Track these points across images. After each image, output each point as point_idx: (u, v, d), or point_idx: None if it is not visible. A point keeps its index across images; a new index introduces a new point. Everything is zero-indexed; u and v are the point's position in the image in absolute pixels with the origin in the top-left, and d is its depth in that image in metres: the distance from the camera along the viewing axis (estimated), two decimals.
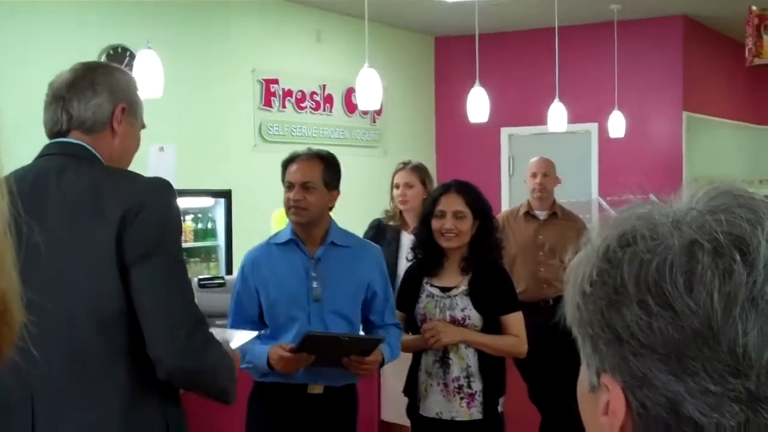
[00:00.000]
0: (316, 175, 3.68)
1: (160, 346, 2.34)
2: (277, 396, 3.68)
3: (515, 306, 3.96)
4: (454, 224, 3.88)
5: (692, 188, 0.88)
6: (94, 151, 2.50)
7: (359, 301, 3.75)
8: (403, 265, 4.57)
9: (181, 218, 2.60)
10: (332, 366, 3.59)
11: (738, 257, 0.79)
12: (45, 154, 2.58)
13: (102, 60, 7.12)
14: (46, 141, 2.71)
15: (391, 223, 5.30)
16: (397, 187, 5.26)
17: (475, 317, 3.86)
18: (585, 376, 0.90)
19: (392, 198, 5.34)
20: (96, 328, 2.34)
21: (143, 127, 2.65)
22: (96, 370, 2.34)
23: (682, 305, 0.80)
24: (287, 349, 3.51)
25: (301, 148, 3.91)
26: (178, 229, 2.50)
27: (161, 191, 2.43)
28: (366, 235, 5.41)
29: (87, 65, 2.65)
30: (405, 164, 5.37)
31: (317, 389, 3.67)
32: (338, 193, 3.78)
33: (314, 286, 3.64)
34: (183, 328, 2.35)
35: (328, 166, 3.73)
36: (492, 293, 3.89)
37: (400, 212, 5.27)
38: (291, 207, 3.67)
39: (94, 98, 2.52)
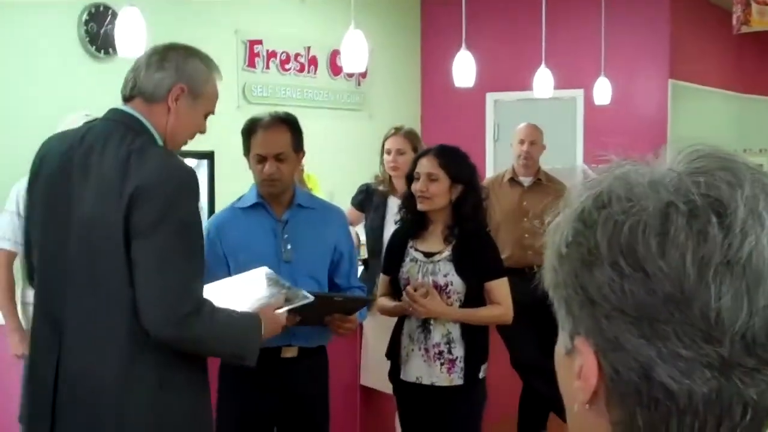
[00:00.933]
0: (287, 143, 3.63)
1: (146, 316, 2.62)
2: None
3: (500, 272, 3.94)
4: (427, 186, 3.87)
5: (674, 150, 0.86)
6: (145, 123, 2.78)
7: (327, 263, 3.73)
8: (390, 230, 4.56)
9: (195, 204, 2.71)
10: (314, 324, 3.57)
11: (714, 219, 0.78)
12: (105, 117, 2.83)
13: (84, 19, 7.01)
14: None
15: (380, 188, 5.25)
16: (388, 152, 5.21)
17: (457, 283, 3.85)
18: (561, 340, 0.89)
19: (382, 162, 5.28)
20: (105, 293, 2.68)
21: (209, 113, 2.91)
22: (106, 326, 2.69)
23: (654, 267, 0.78)
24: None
25: (285, 110, 3.85)
26: (183, 212, 2.65)
27: (173, 175, 2.66)
28: (355, 199, 5.39)
29: (172, 45, 2.91)
30: (397, 129, 5.32)
31: (291, 352, 3.66)
32: (304, 153, 3.74)
33: (287, 248, 3.60)
34: (165, 303, 2.60)
35: (295, 131, 3.68)
36: (476, 259, 3.87)
37: (390, 177, 5.22)
38: (265, 180, 3.61)
39: (158, 72, 2.80)
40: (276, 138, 3.62)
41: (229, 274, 3.61)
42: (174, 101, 2.81)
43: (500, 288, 3.93)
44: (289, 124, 3.67)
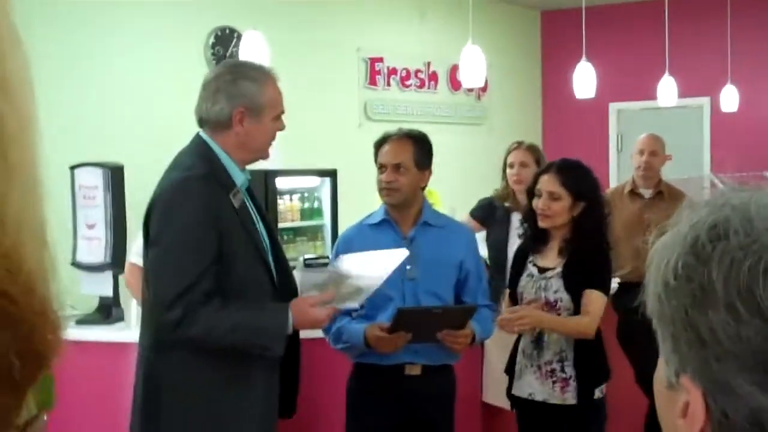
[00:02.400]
0: (408, 155, 3.68)
1: (154, 319, 3.00)
2: (375, 377, 3.70)
3: (598, 283, 3.83)
4: (548, 205, 3.83)
5: None
6: (212, 145, 3.07)
7: (452, 281, 3.74)
8: (513, 245, 4.53)
9: (193, 213, 2.95)
10: (427, 341, 3.60)
11: None
12: (191, 140, 3.17)
13: (211, 42, 7.22)
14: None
15: (505, 204, 5.23)
16: (512, 166, 5.18)
17: (566, 300, 3.80)
18: (663, 372, 0.85)
19: (504, 177, 5.26)
20: (144, 300, 3.17)
21: (281, 114, 3.16)
22: (142, 328, 3.15)
23: None
24: (383, 328, 3.52)
25: (406, 127, 3.91)
26: (183, 221, 2.93)
27: (177, 190, 2.96)
28: (476, 212, 5.38)
29: (218, 72, 3.18)
30: (519, 144, 5.29)
31: (415, 370, 3.68)
32: (430, 172, 3.78)
33: (409, 266, 3.64)
34: (159, 310, 2.92)
35: (420, 146, 3.73)
36: (585, 275, 3.81)
37: (512, 192, 5.19)
38: (383, 188, 3.69)
39: (214, 105, 3.06)
40: (398, 148, 3.69)
41: None
42: (240, 124, 3.06)
43: (592, 298, 3.80)
44: (414, 138, 3.74)
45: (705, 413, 0.79)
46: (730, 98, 8.79)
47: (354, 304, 3.23)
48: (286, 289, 3.20)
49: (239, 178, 3.11)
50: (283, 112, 3.18)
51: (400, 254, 3.42)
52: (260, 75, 3.14)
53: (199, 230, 2.92)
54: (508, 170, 5.20)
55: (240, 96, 3.05)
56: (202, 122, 3.13)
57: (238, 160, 3.10)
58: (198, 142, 3.12)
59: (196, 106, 3.16)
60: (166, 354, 3.02)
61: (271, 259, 3.14)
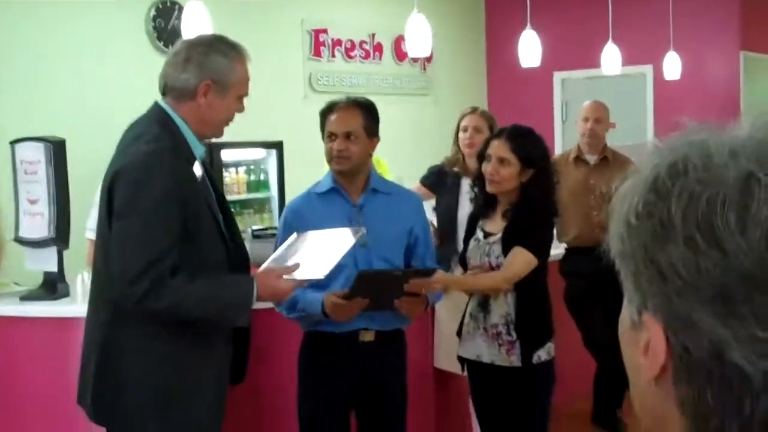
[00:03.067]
0: (358, 123, 3.67)
1: (114, 291, 2.96)
2: (328, 346, 3.70)
3: (527, 242, 3.82)
4: (496, 169, 3.85)
5: (754, 117, 0.81)
6: (173, 115, 3.05)
7: (403, 247, 3.76)
8: (464, 210, 4.55)
9: (163, 185, 2.92)
10: (385, 308, 3.60)
11: None
12: (148, 110, 3.14)
13: (152, 15, 7.13)
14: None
15: (455, 169, 5.24)
16: (465, 130, 5.18)
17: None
18: (626, 312, 0.85)
19: (455, 142, 5.27)
20: (97, 270, 3.13)
21: (243, 96, 3.15)
22: (96, 301, 3.11)
23: (732, 245, 0.73)
24: (341, 295, 3.52)
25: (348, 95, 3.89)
26: (152, 194, 2.90)
27: (146, 162, 2.92)
28: (426, 179, 5.39)
29: (192, 42, 3.14)
30: (474, 109, 5.31)
31: (368, 336, 3.70)
32: (378, 139, 3.78)
33: (359, 233, 3.64)
34: (125, 282, 2.89)
35: (368, 114, 3.72)
36: (518, 235, 3.83)
37: (462, 157, 5.20)
38: (334, 157, 3.67)
39: (183, 73, 3.04)
40: (348, 116, 3.68)
41: None
42: (203, 96, 3.05)
43: (516, 255, 3.78)
44: (362, 106, 3.73)
45: (666, 349, 0.79)
46: (672, 66, 8.87)
47: (318, 276, 3.21)
48: (241, 262, 3.20)
49: (198, 150, 3.11)
50: (246, 94, 3.18)
51: (358, 231, 3.42)
52: (234, 53, 3.14)
53: (168, 204, 2.91)
54: (460, 134, 5.21)
55: (210, 69, 3.05)
56: (165, 89, 3.11)
57: (195, 132, 3.10)
58: (158, 112, 3.10)
59: (161, 71, 3.12)
60: (124, 325, 3.01)
61: (225, 231, 3.14)
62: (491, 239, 3.90)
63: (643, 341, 0.81)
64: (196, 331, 3.05)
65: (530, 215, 3.86)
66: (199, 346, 3.07)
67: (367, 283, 3.51)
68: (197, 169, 3.06)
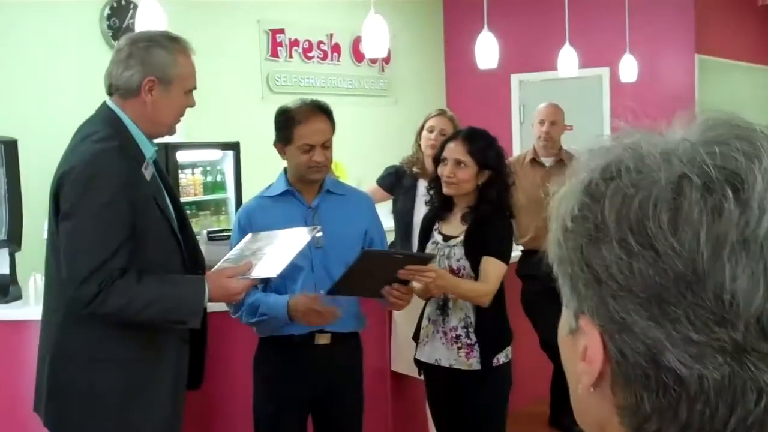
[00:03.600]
0: (330, 131, 3.67)
1: (65, 295, 2.92)
2: (284, 349, 3.68)
3: (497, 252, 3.85)
4: (453, 172, 3.86)
5: (688, 118, 0.81)
6: (119, 114, 3.00)
7: (358, 248, 3.74)
8: (420, 212, 4.55)
9: (110, 187, 2.89)
10: (371, 296, 3.62)
11: (730, 194, 0.73)
12: (97, 110, 3.09)
13: (106, 14, 7.05)
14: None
15: (414, 169, 5.23)
16: (431, 131, 5.18)
17: (468, 267, 3.84)
18: (564, 319, 0.85)
19: (417, 141, 5.26)
20: (48, 273, 3.06)
21: (191, 89, 3.08)
22: (48, 304, 3.09)
23: (665, 246, 0.73)
24: (318, 296, 3.52)
25: (308, 99, 3.83)
26: (100, 195, 2.86)
27: (93, 162, 2.88)
28: (383, 180, 5.39)
29: (133, 38, 3.07)
30: (442, 111, 5.32)
31: (324, 339, 3.68)
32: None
33: (314, 235, 3.62)
34: (74, 285, 2.86)
35: (332, 118, 3.71)
36: (482, 240, 3.84)
37: (422, 158, 5.20)
38: (313, 167, 3.63)
39: (126, 70, 2.99)
40: (322, 127, 3.65)
41: None
42: (148, 93, 3.00)
43: (492, 266, 3.81)
44: (327, 112, 3.71)
45: (603, 354, 0.78)
46: (629, 68, 8.94)
47: (271, 274, 3.17)
48: (195, 263, 3.16)
49: (148, 151, 3.06)
50: (194, 87, 3.12)
51: (314, 229, 3.41)
52: (175, 46, 3.07)
53: (115, 205, 2.86)
54: (424, 133, 5.20)
55: (151, 64, 2.99)
56: (111, 88, 3.05)
57: (144, 131, 3.04)
58: (106, 111, 3.05)
59: (106, 71, 3.07)
60: (75, 329, 2.97)
61: (178, 232, 3.09)
62: (452, 242, 3.90)
63: (581, 347, 0.81)
64: (149, 335, 3.01)
65: (491, 220, 3.86)
66: (152, 350, 3.03)
67: (367, 263, 3.48)
68: (147, 170, 3.01)
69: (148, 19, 5.21)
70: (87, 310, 2.87)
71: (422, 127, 5.25)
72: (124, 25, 7.05)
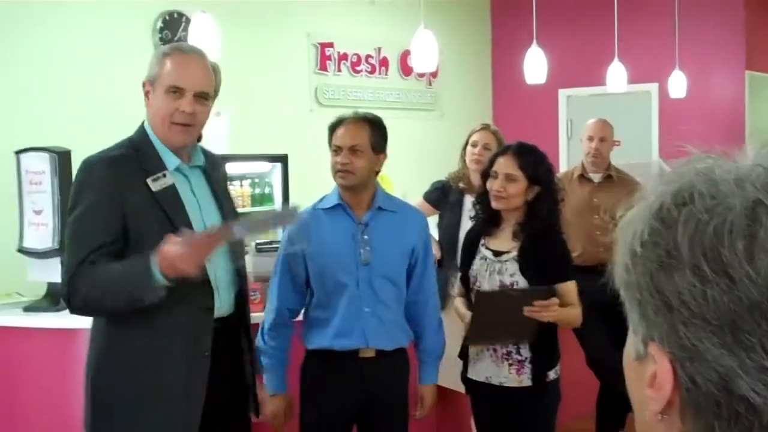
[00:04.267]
0: (364, 138, 3.67)
1: None
2: (330, 362, 3.70)
3: (569, 274, 3.90)
4: (503, 186, 3.85)
5: (758, 143, 0.80)
6: (146, 126, 3.12)
7: (404, 265, 3.76)
8: (466, 227, 4.55)
9: (93, 193, 2.99)
10: (517, 340, 3.75)
11: None
12: None
13: (159, 26, 7.15)
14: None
15: (460, 184, 5.23)
16: (474, 145, 5.18)
17: (522, 284, 3.83)
18: (631, 344, 0.84)
19: (462, 157, 5.27)
20: None
21: (173, 88, 3.03)
22: None
23: (740, 273, 0.73)
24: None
25: (356, 111, 3.90)
26: (81, 204, 2.97)
27: (79, 173, 3.05)
28: (429, 195, 5.39)
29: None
30: (486, 125, 5.32)
31: (368, 353, 3.69)
32: (385, 156, 3.77)
33: (363, 250, 3.65)
34: (63, 285, 3.04)
35: (375, 130, 3.72)
36: (543, 260, 3.84)
37: (467, 175, 5.20)
38: (338, 171, 3.67)
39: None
40: (354, 131, 3.68)
41: (307, 275, 3.70)
42: (147, 98, 3.12)
43: (571, 289, 3.89)
44: (370, 122, 3.72)
45: (673, 381, 0.78)
46: (678, 84, 8.88)
47: (232, 238, 2.95)
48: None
49: (171, 162, 3.07)
50: (175, 88, 3.02)
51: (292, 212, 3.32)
52: (167, 49, 3.14)
53: (92, 213, 2.95)
54: (469, 148, 5.20)
55: (148, 70, 3.10)
56: None
57: (161, 141, 3.08)
58: (140, 125, 3.16)
59: None
60: (92, 336, 3.10)
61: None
62: (503, 258, 3.89)
63: (648, 373, 0.80)
64: (155, 341, 2.99)
65: (547, 239, 3.88)
66: (157, 357, 3.01)
67: (489, 305, 3.60)
68: (158, 181, 3.01)
69: (200, 32, 5.28)
70: (71, 309, 3.03)
71: (467, 143, 5.26)
72: (176, 38, 7.14)
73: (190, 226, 2.99)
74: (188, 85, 3.03)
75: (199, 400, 3.05)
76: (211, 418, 3.12)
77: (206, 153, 3.28)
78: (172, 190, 3.05)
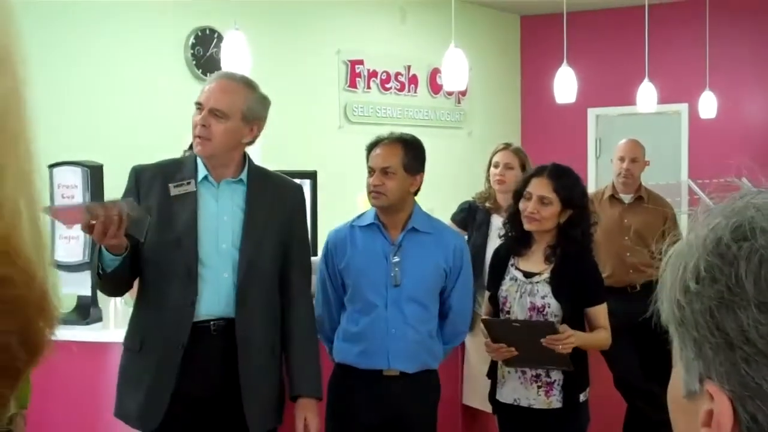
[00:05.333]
0: (396, 159, 3.68)
1: None
2: (355, 378, 3.72)
3: (601, 298, 3.89)
4: (537, 208, 3.83)
5: None
6: None
7: (435, 288, 3.75)
8: (493, 248, 4.53)
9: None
10: (556, 366, 3.78)
11: None
12: None
13: (191, 43, 7.21)
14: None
15: (486, 204, 5.21)
16: (496, 166, 5.16)
17: (554, 306, 3.81)
18: (680, 380, 0.82)
19: (487, 178, 5.25)
20: None
21: (197, 103, 3.28)
22: None
23: None
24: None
25: (386, 129, 3.94)
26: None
27: None
28: (456, 216, 5.38)
29: None
30: (507, 145, 5.27)
31: (392, 372, 3.70)
32: (422, 176, 3.77)
33: (394, 271, 3.66)
34: None
35: (409, 150, 3.73)
36: (576, 283, 3.82)
37: (494, 194, 5.18)
38: (371, 192, 3.70)
39: None
40: (387, 152, 3.71)
41: (344, 291, 3.76)
42: None
43: (601, 312, 3.88)
44: (404, 142, 3.75)
45: (733, 419, 0.76)
46: (708, 104, 8.84)
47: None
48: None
49: (200, 173, 3.32)
50: (197, 104, 3.29)
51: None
52: (213, 76, 3.47)
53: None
54: (492, 169, 5.18)
55: None
56: None
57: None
58: None
59: None
60: None
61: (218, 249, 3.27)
62: (534, 279, 3.87)
63: (703, 411, 0.78)
64: (136, 327, 3.39)
65: (580, 262, 3.86)
66: (136, 341, 3.37)
67: (497, 331, 3.75)
68: (181, 188, 3.29)
69: (232, 49, 5.32)
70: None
71: (490, 162, 5.23)
72: (207, 54, 7.19)
73: (193, 229, 3.25)
74: (204, 102, 3.26)
75: (168, 388, 3.26)
76: (202, 412, 3.29)
77: (258, 172, 3.43)
78: (192, 196, 3.28)
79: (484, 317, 3.90)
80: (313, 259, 4.92)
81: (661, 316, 0.82)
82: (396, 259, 3.68)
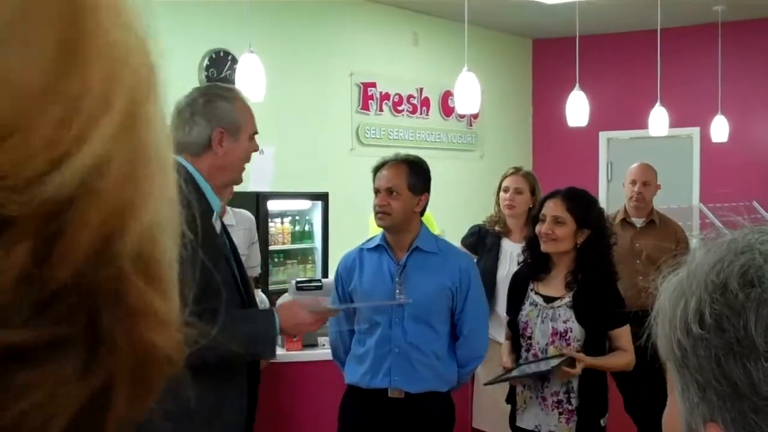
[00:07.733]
0: (401, 180, 3.72)
1: None
2: (361, 399, 3.76)
3: (624, 320, 3.89)
4: (551, 228, 3.84)
5: None
6: (191, 170, 3.01)
7: (442, 308, 3.77)
8: (503, 272, 4.53)
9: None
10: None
11: None
12: None
13: (205, 65, 7.27)
14: None
15: (496, 228, 5.22)
16: (506, 190, 5.16)
17: (577, 330, 3.80)
18: (678, 414, 0.82)
19: (497, 202, 5.26)
20: None
21: (254, 133, 3.13)
22: None
23: None
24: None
25: (398, 152, 3.98)
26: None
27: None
28: (466, 240, 5.38)
29: (190, 97, 3.11)
30: (517, 169, 5.28)
31: (397, 393, 3.72)
32: (427, 196, 3.80)
33: (398, 291, 3.70)
34: None
35: (414, 171, 3.77)
36: (597, 308, 3.82)
37: (504, 218, 5.19)
38: (377, 212, 3.74)
39: (193, 129, 3.04)
40: (391, 173, 3.75)
41: (353, 313, 3.81)
42: (219, 145, 3.04)
43: (624, 335, 3.87)
44: (409, 163, 3.78)
45: None
46: (720, 129, 8.85)
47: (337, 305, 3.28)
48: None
49: (215, 204, 3.13)
50: (256, 132, 3.18)
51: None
52: (232, 94, 3.16)
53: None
54: (501, 194, 5.19)
55: (218, 117, 3.07)
56: (179, 149, 3.04)
57: (213, 185, 3.10)
58: (178, 169, 3.15)
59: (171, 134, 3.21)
60: None
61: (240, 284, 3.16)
62: (555, 304, 3.87)
63: None
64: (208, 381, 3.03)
65: (602, 286, 3.86)
66: (212, 396, 2.93)
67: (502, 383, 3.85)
68: (218, 223, 3.08)
69: (247, 72, 5.36)
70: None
71: (499, 187, 5.24)
72: (221, 76, 7.24)
73: (233, 269, 3.06)
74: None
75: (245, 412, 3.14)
76: None
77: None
78: (222, 233, 3.13)
79: (485, 383, 3.96)
80: (325, 280, 4.96)
81: (658, 348, 0.82)
82: (399, 279, 3.73)
